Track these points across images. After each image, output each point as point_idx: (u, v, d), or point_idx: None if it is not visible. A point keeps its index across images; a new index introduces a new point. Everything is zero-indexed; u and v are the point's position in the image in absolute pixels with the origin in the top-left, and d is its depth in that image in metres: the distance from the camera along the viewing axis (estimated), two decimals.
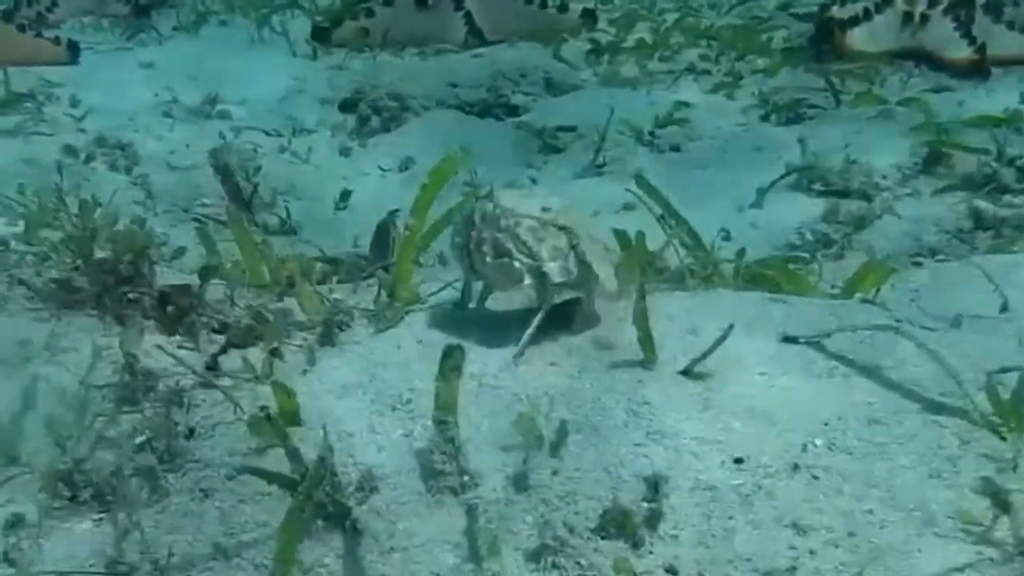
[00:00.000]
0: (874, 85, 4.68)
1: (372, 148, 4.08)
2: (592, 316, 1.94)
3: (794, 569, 1.47)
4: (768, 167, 3.93)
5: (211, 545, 1.58)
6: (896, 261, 2.84)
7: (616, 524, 1.51)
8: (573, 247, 1.85)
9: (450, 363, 1.59)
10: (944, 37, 4.96)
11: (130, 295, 2.11)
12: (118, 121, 4.01)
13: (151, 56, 4.92)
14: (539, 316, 1.85)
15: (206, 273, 2.11)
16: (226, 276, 2.13)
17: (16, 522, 1.68)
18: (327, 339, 1.98)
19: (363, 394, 1.81)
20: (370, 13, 5.08)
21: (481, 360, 1.82)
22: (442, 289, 2.18)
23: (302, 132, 4.12)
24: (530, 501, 1.56)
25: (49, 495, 1.74)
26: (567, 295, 1.94)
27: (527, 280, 1.84)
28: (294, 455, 1.62)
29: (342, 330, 2.00)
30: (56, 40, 4.76)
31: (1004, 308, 2.25)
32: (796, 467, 1.63)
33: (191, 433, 1.82)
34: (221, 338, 2.02)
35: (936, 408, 1.76)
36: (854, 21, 5.03)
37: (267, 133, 4.08)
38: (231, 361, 1.97)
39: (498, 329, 1.94)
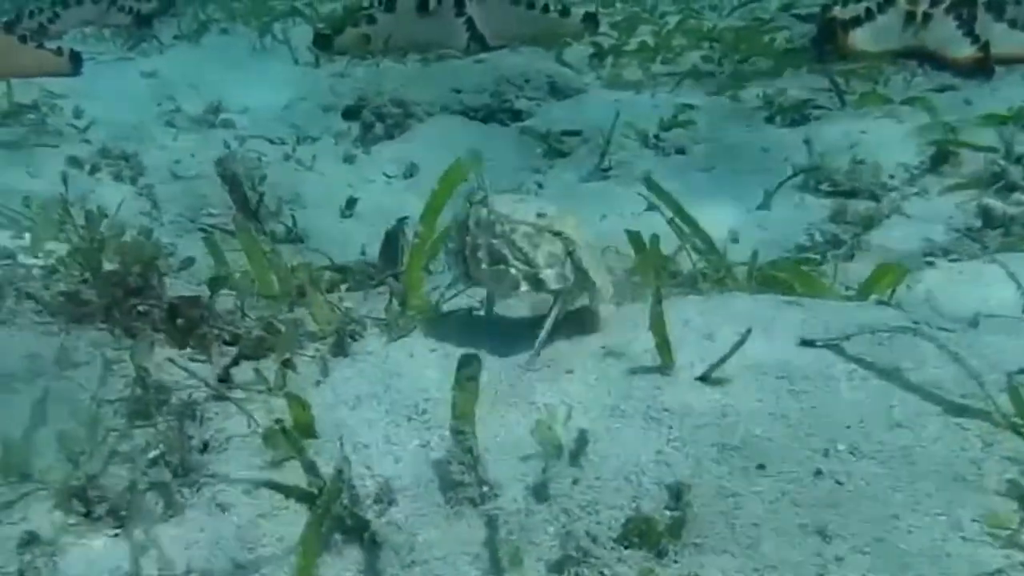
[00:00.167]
0: (878, 85, 4.67)
1: (376, 155, 4.07)
2: (592, 321, 1.92)
3: None
4: (774, 169, 3.92)
5: (229, 560, 1.56)
6: (908, 261, 2.81)
7: (639, 533, 1.49)
8: (569, 253, 1.84)
9: (466, 373, 1.57)
10: (947, 36, 4.95)
11: (139, 308, 2.09)
12: (122, 131, 4.00)
13: (153, 65, 4.92)
14: (551, 320, 1.83)
15: (216, 284, 2.10)
16: (236, 287, 2.11)
17: (31, 539, 1.65)
18: (340, 349, 1.96)
19: (378, 405, 1.79)
20: (372, 20, 5.08)
21: (496, 368, 1.80)
22: (453, 296, 2.16)
23: (306, 140, 4.12)
24: (551, 511, 1.55)
25: (63, 511, 1.72)
26: (579, 301, 1.93)
27: (523, 287, 1.82)
28: (311, 468, 1.60)
29: (355, 340, 1.98)
30: (58, 51, 4.76)
31: None
32: (819, 472, 1.61)
33: (205, 447, 1.80)
34: (233, 350, 2.00)
35: (958, 410, 1.74)
36: (856, 21, 5.03)
37: (271, 141, 4.07)
38: (243, 373, 1.95)
39: (512, 336, 1.92)
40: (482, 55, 4.92)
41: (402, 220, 2.51)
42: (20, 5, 6.12)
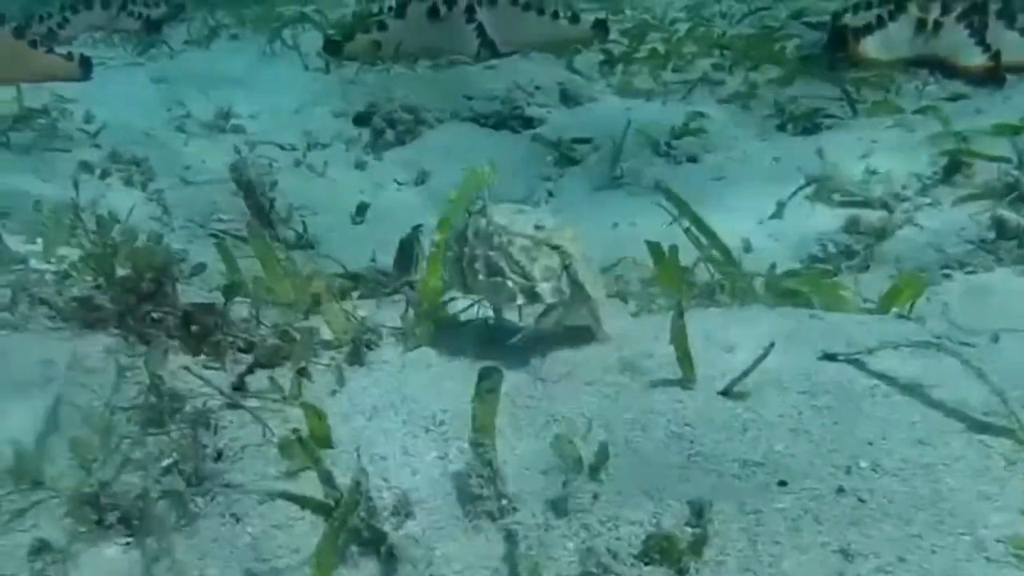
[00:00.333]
0: (889, 93, 4.65)
1: (387, 161, 4.06)
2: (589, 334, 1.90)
3: None
4: (786, 177, 3.90)
5: (243, 572, 1.54)
6: (924, 273, 2.79)
7: (660, 550, 1.47)
8: (566, 267, 1.84)
9: (486, 385, 1.55)
10: (958, 44, 4.93)
11: (153, 314, 2.07)
12: (132, 136, 4.00)
13: (163, 71, 4.92)
14: (534, 328, 1.83)
15: (230, 291, 2.08)
16: (251, 294, 2.10)
17: (42, 548, 1.64)
18: (356, 358, 1.94)
19: (395, 415, 1.77)
20: (382, 26, 5.07)
21: (514, 380, 1.78)
22: (471, 306, 2.14)
23: (317, 146, 4.10)
24: (570, 526, 1.53)
25: (75, 519, 1.70)
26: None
27: (520, 300, 1.83)
28: (327, 479, 1.58)
29: (370, 349, 1.97)
30: (68, 56, 4.76)
31: None
32: (841, 490, 1.59)
33: (219, 455, 1.78)
34: (247, 358, 1.99)
35: (981, 427, 1.72)
36: (868, 29, 5.01)
37: (282, 147, 4.06)
38: (258, 381, 1.93)
39: (531, 348, 1.90)
40: (493, 62, 4.91)
41: (417, 228, 2.50)
42: (30, 10, 6.13)
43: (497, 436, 1.59)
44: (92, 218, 2.90)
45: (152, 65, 5.07)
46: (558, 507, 1.55)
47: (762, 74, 4.85)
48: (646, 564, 1.47)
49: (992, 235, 3.31)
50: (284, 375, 1.91)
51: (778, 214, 3.65)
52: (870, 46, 5.00)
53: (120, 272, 2.17)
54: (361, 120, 4.29)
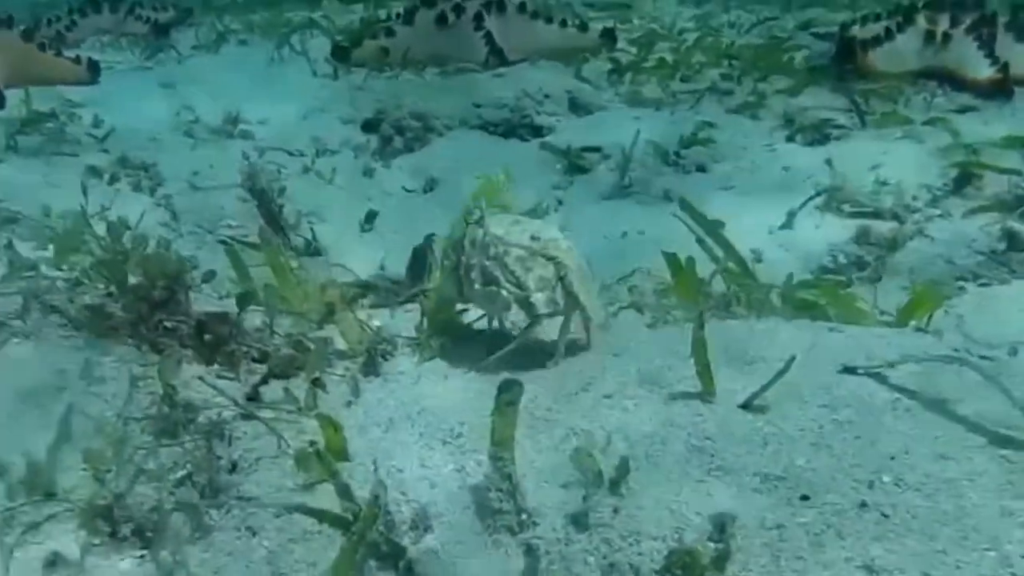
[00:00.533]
0: (898, 105, 4.64)
1: (396, 168, 4.04)
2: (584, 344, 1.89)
3: None
4: (795, 188, 3.89)
5: None
6: (937, 285, 2.78)
7: (682, 565, 1.45)
8: (560, 278, 1.84)
9: (506, 398, 1.54)
10: (967, 56, 4.92)
11: (166, 323, 2.06)
12: (140, 141, 3.98)
13: (171, 75, 4.90)
14: (518, 340, 1.84)
15: (244, 300, 2.07)
16: (265, 303, 2.08)
17: (56, 560, 1.62)
18: (371, 369, 1.93)
19: (411, 427, 1.75)
20: (390, 32, 5.06)
21: (533, 392, 1.77)
22: (483, 316, 2.13)
23: (325, 152, 4.09)
24: (591, 541, 1.51)
25: (89, 531, 1.68)
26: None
27: (514, 309, 1.84)
28: (345, 492, 1.56)
29: (386, 359, 1.95)
30: (76, 59, 4.75)
31: None
32: (864, 505, 1.57)
33: (234, 467, 1.77)
34: (261, 368, 1.97)
35: (1003, 442, 1.71)
36: (876, 41, 5.00)
37: (290, 153, 4.04)
38: (272, 392, 1.92)
39: (547, 359, 1.89)
40: (501, 69, 4.89)
41: (430, 237, 2.49)
42: (37, 13, 6.13)
43: (515, 449, 1.57)
44: (102, 224, 2.89)
45: (160, 70, 5.06)
46: (579, 521, 1.53)
47: (771, 84, 4.84)
48: None
49: (1003, 247, 3.30)
50: (299, 386, 1.90)
51: (788, 224, 3.63)
52: (878, 58, 4.99)
53: (132, 280, 2.15)
54: (370, 127, 4.28)
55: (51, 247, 2.61)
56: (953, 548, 1.53)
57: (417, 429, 1.75)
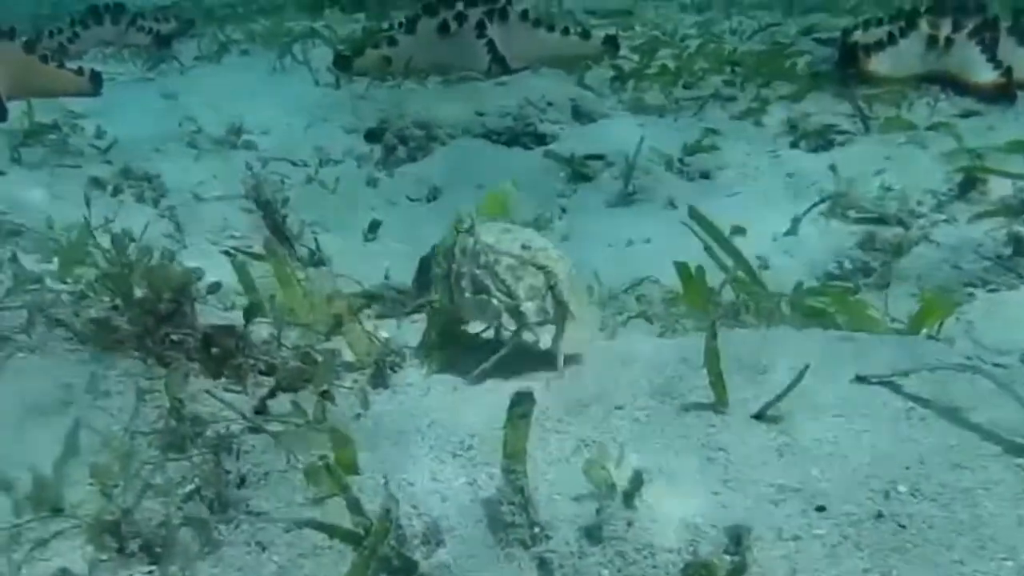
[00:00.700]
0: (901, 110, 4.64)
1: (399, 178, 4.03)
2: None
3: None
4: (800, 194, 3.88)
5: None
6: (945, 291, 2.76)
7: None
8: (551, 287, 1.84)
9: (518, 410, 1.52)
10: (969, 61, 4.92)
11: (173, 336, 2.05)
12: (143, 152, 3.98)
13: (173, 86, 4.90)
14: (504, 349, 1.85)
15: (251, 312, 2.05)
16: (272, 315, 2.07)
17: None
18: (380, 381, 1.91)
19: (421, 440, 1.74)
20: (392, 42, 5.06)
21: (543, 403, 1.75)
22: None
23: (329, 162, 4.08)
24: (605, 554, 1.49)
25: (96, 547, 1.67)
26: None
27: (504, 318, 1.85)
28: (355, 506, 1.55)
29: (394, 371, 1.94)
30: (79, 71, 4.75)
31: None
32: (880, 515, 1.56)
33: (242, 481, 1.75)
34: (269, 380, 1.96)
35: (1018, 450, 1.69)
36: (879, 46, 5.00)
37: (293, 163, 4.04)
38: (280, 405, 1.90)
39: (548, 369, 1.87)
40: (503, 78, 4.89)
41: (436, 247, 2.47)
42: (39, 25, 6.14)
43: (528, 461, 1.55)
44: (106, 236, 2.88)
45: (162, 81, 5.06)
46: (592, 534, 1.51)
47: (773, 90, 4.84)
48: None
49: (1009, 251, 3.29)
50: (307, 398, 1.88)
51: (793, 231, 3.62)
52: (881, 62, 4.99)
53: (138, 292, 2.14)
54: (373, 136, 4.28)
55: (55, 260, 2.60)
56: (971, 558, 1.51)
57: (427, 442, 1.73)
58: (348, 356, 2.02)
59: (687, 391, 1.78)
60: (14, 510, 1.70)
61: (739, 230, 3.04)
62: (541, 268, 1.84)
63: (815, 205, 3.68)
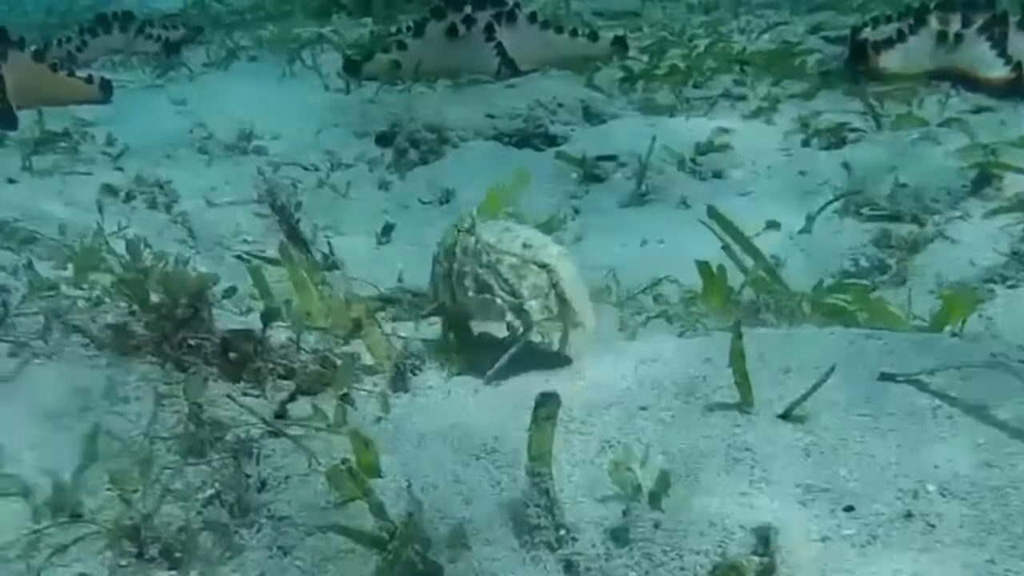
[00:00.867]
0: (912, 107, 4.61)
1: (411, 181, 4.02)
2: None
3: None
4: (813, 192, 3.86)
5: None
6: (967, 289, 2.74)
7: None
8: (553, 285, 1.84)
9: (544, 412, 1.51)
10: (979, 57, 4.89)
11: (190, 341, 2.04)
12: (154, 159, 3.98)
13: (183, 93, 4.90)
14: (514, 349, 1.85)
15: (268, 316, 2.04)
16: (291, 319, 2.06)
17: None
18: (400, 384, 1.90)
19: (443, 443, 1.72)
20: (401, 46, 5.06)
21: (567, 404, 1.73)
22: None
23: (340, 166, 4.08)
24: (632, 556, 1.48)
25: (116, 553, 1.66)
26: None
27: (508, 317, 1.85)
28: (379, 510, 1.53)
29: (414, 374, 1.92)
30: (88, 79, 4.75)
31: None
32: (909, 515, 1.54)
33: (263, 485, 1.74)
34: (288, 384, 1.95)
35: None
36: (888, 43, 4.98)
37: (305, 168, 4.03)
38: (300, 408, 1.89)
39: (577, 370, 1.86)
40: (513, 80, 4.88)
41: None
42: (48, 34, 6.15)
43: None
44: (119, 242, 2.88)
45: (172, 87, 5.06)
46: (619, 536, 1.50)
47: (784, 89, 4.81)
48: None
49: None
50: (327, 402, 1.87)
51: (807, 229, 3.60)
52: (891, 59, 4.96)
53: (154, 298, 2.13)
54: (384, 140, 4.27)
55: (71, 266, 2.60)
56: (1002, 558, 1.49)
57: (449, 445, 1.72)
58: (367, 360, 2.00)
59: (711, 391, 1.76)
60: (33, 516, 1.69)
61: (773, 224, 3.02)
62: (543, 266, 1.84)
63: (829, 203, 3.65)
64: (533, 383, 1.81)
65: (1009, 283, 2.90)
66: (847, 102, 4.62)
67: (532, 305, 1.83)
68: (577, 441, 1.68)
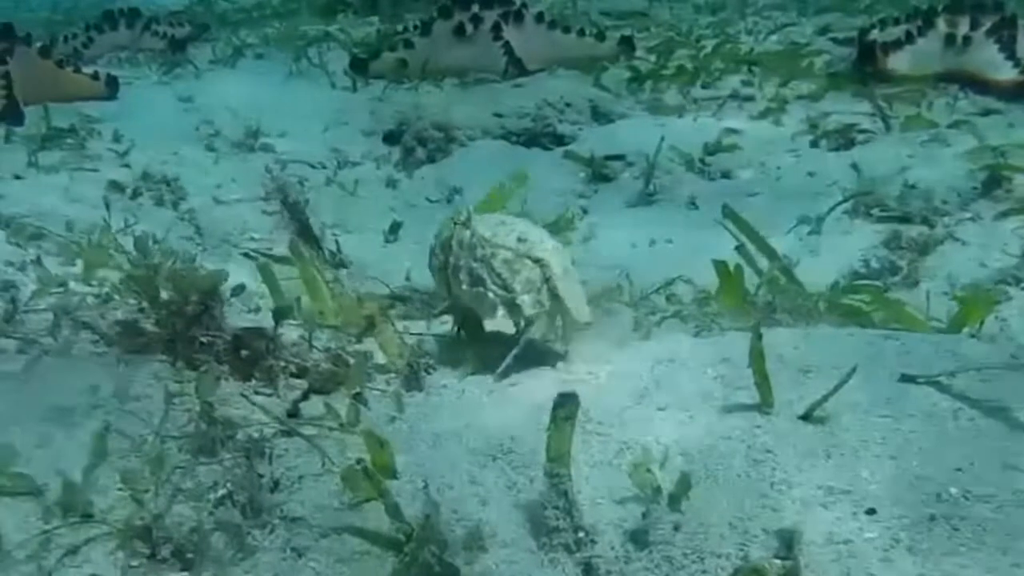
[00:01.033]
0: (921, 108, 4.59)
1: (419, 179, 4.00)
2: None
3: None
4: (822, 193, 3.84)
5: None
6: (984, 290, 2.72)
7: None
8: (546, 280, 1.84)
9: (563, 413, 1.49)
10: (988, 59, 4.87)
11: (201, 339, 2.02)
12: (161, 156, 3.95)
13: (189, 90, 4.88)
14: (520, 346, 1.85)
15: (280, 314, 2.02)
16: (303, 317, 2.04)
17: None
18: (413, 383, 1.88)
19: (459, 443, 1.70)
20: (408, 44, 5.04)
21: (584, 404, 1.71)
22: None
23: (347, 164, 4.06)
24: (652, 559, 1.46)
25: (127, 553, 1.64)
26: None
27: (500, 311, 1.85)
28: (395, 512, 1.51)
29: (428, 373, 1.90)
30: (95, 75, 4.73)
31: None
32: (933, 518, 1.52)
33: (276, 485, 1.72)
34: (300, 383, 1.93)
35: None
36: (896, 44, 4.96)
37: (312, 166, 4.01)
38: (312, 407, 1.87)
39: (591, 373, 1.84)
40: (520, 79, 4.86)
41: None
42: (54, 30, 6.13)
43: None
44: (127, 239, 2.86)
45: (178, 84, 5.04)
46: (638, 539, 1.48)
47: (792, 90, 4.80)
48: None
49: None
50: (340, 401, 1.85)
51: (817, 230, 3.58)
52: (899, 61, 4.95)
53: (164, 295, 2.12)
54: (391, 138, 4.25)
55: (79, 263, 2.58)
56: None
57: (465, 445, 1.70)
58: (380, 358, 1.98)
59: (730, 392, 1.74)
60: (44, 516, 1.67)
61: (806, 220, 2.99)
62: (537, 261, 1.83)
63: (839, 204, 3.64)
64: (548, 382, 1.79)
65: (1022, 285, 2.88)
66: (855, 103, 4.61)
67: (524, 299, 1.83)
68: (595, 442, 1.66)
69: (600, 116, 4.47)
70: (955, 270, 3.21)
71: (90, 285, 2.42)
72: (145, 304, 2.15)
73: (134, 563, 1.63)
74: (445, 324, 2.22)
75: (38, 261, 2.52)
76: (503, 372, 1.86)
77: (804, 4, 6.60)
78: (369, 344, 2.04)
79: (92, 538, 1.65)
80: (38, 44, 4.86)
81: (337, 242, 3.44)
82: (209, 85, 4.98)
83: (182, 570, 1.62)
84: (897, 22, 5.21)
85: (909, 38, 4.98)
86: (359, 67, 5.01)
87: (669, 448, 1.60)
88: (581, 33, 5.21)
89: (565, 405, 1.49)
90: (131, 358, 2.04)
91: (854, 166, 3.92)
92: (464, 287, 1.88)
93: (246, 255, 3.29)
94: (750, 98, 4.75)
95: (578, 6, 6.72)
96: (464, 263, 1.87)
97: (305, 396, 1.88)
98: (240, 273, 2.74)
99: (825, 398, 1.65)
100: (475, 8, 5.07)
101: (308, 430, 1.80)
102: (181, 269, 2.21)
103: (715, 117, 4.50)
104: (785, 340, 1.90)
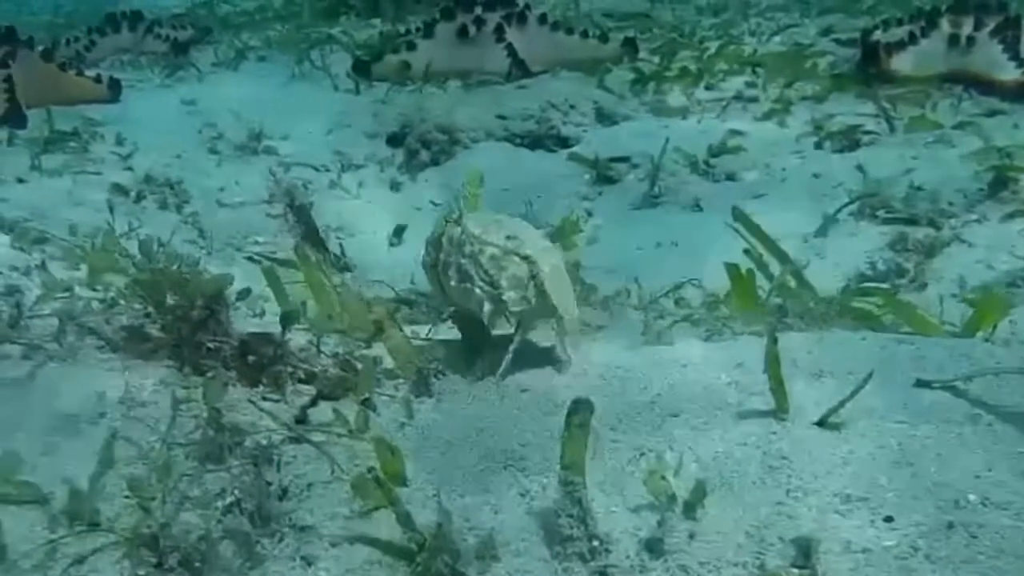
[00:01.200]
0: (926, 109, 4.57)
1: (422, 182, 3.99)
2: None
3: None
4: (827, 195, 3.82)
5: None
6: (998, 294, 2.70)
7: None
8: (533, 277, 1.85)
9: (577, 419, 1.47)
10: (991, 59, 4.85)
11: (208, 344, 2.00)
12: (165, 159, 3.94)
13: (192, 93, 4.87)
14: (514, 344, 1.85)
15: (288, 319, 2.00)
16: (311, 322, 2.02)
17: None
18: (423, 389, 1.86)
19: (470, 450, 1.68)
20: (411, 46, 5.02)
21: (596, 410, 1.69)
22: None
23: (351, 167, 4.04)
24: (667, 568, 1.44)
25: (134, 562, 1.62)
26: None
27: (486, 307, 1.85)
28: (406, 521, 1.49)
29: (438, 379, 1.88)
30: (97, 78, 4.72)
31: None
32: (951, 525, 1.50)
33: (284, 493, 1.70)
34: (308, 389, 1.91)
35: None
36: (900, 45, 4.95)
37: (316, 169, 3.99)
38: (321, 413, 1.85)
39: (600, 375, 1.82)
40: (524, 81, 4.85)
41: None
42: (56, 33, 6.12)
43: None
44: (132, 243, 2.85)
45: (181, 87, 5.03)
46: (653, 547, 1.46)
47: (796, 91, 4.78)
48: None
49: None
50: (348, 407, 1.83)
51: (822, 232, 3.56)
52: (903, 62, 4.93)
53: (170, 300, 2.10)
54: (395, 140, 4.23)
55: (84, 267, 2.56)
56: None
57: (476, 452, 1.68)
58: (388, 363, 1.97)
59: (745, 397, 1.72)
60: (50, 525, 1.65)
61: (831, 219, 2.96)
62: (524, 258, 1.84)
63: (845, 206, 3.62)
64: (559, 388, 1.77)
65: None
66: (859, 105, 4.59)
67: (510, 296, 1.84)
68: (608, 449, 1.64)
69: (604, 118, 4.45)
70: (962, 272, 3.20)
71: (95, 290, 2.40)
72: (151, 309, 2.13)
73: (141, 572, 1.61)
74: (452, 328, 2.21)
75: (43, 265, 2.50)
76: (504, 372, 1.85)
77: (807, 5, 6.58)
78: (378, 349, 2.02)
79: (99, 547, 1.63)
80: (40, 47, 4.84)
81: (341, 245, 3.43)
82: (212, 88, 4.96)
83: None
84: (900, 23, 5.20)
85: (912, 39, 4.96)
86: (362, 69, 5.00)
87: (684, 454, 1.58)
88: (584, 35, 5.19)
89: (579, 412, 1.47)
90: (137, 364, 2.03)
91: (859, 167, 3.91)
92: (453, 283, 1.90)
93: (250, 259, 3.28)
94: (754, 99, 4.73)
95: (581, 7, 6.70)
96: (453, 259, 1.90)
97: (313, 402, 1.86)
98: (244, 277, 2.74)
99: (842, 404, 1.64)
100: (478, 10, 5.05)
101: (317, 437, 1.78)
102: (186, 273, 2.19)
103: (719, 119, 4.48)
104: (798, 344, 1.88)
